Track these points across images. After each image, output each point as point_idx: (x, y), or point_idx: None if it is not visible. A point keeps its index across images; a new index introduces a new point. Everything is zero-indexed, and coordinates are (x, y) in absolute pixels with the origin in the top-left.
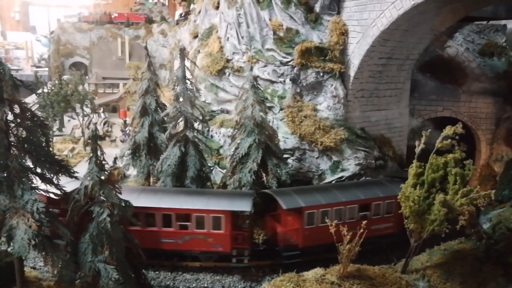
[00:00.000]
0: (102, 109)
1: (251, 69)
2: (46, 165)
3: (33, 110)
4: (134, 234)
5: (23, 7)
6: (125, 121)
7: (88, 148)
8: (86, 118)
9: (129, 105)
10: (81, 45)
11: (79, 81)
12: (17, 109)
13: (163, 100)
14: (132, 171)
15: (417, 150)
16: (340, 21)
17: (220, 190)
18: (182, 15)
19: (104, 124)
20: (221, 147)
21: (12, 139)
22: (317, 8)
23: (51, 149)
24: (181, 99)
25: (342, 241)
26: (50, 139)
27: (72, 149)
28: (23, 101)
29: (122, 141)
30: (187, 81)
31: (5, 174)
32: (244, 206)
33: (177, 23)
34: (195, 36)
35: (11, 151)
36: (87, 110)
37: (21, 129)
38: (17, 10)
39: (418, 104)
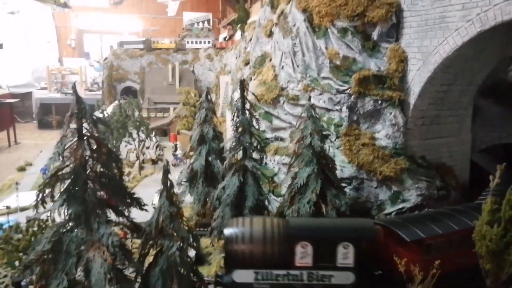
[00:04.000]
0: (153, 133)
1: (309, 99)
2: (120, 198)
3: (108, 145)
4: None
5: (79, 35)
6: (175, 145)
7: (143, 172)
8: (141, 143)
9: (179, 128)
10: (132, 71)
11: (136, 107)
12: (93, 144)
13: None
14: (188, 198)
15: (492, 184)
16: (399, 48)
17: None
18: (226, 39)
19: (156, 147)
20: (276, 174)
21: (88, 173)
22: (374, 35)
23: (124, 182)
24: (240, 129)
25: None
26: (124, 172)
27: (128, 173)
28: (100, 137)
29: (174, 165)
30: (246, 111)
31: (83, 208)
32: None
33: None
34: (246, 63)
35: (88, 185)
36: (142, 135)
37: (97, 163)
38: (73, 38)
39: (480, 130)
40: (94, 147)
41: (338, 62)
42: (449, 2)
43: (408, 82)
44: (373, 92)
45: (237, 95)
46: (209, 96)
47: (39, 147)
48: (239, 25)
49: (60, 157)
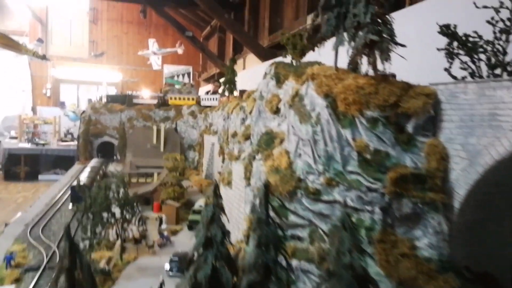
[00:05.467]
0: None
1: (345, 204)
2: None
3: None
4: None
5: (55, 84)
6: (160, 218)
7: (125, 256)
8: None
9: (163, 198)
10: (111, 125)
11: (121, 184)
12: None
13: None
14: None
15: None
16: (439, 144)
17: None
18: (210, 93)
19: (139, 221)
20: (294, 283)
21: None
22: (409, 128)
23: None
24: (263, 245)
25: None
26: None
27: (109, 260)
28: None
29: (160, 246)
30: (271, 221)
31: None
32: None
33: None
34: (247, 138)
35: None
36: (127, 214)
37: None
38: (49, 87)
39: None
40: None
41: (368, 156)
42: (501, 99)
43: (451, 182)
44: (412, 193)
45: (257, 201)
46: (217, 190)
47: (3, 202)
48: (227, 85)
49: None
